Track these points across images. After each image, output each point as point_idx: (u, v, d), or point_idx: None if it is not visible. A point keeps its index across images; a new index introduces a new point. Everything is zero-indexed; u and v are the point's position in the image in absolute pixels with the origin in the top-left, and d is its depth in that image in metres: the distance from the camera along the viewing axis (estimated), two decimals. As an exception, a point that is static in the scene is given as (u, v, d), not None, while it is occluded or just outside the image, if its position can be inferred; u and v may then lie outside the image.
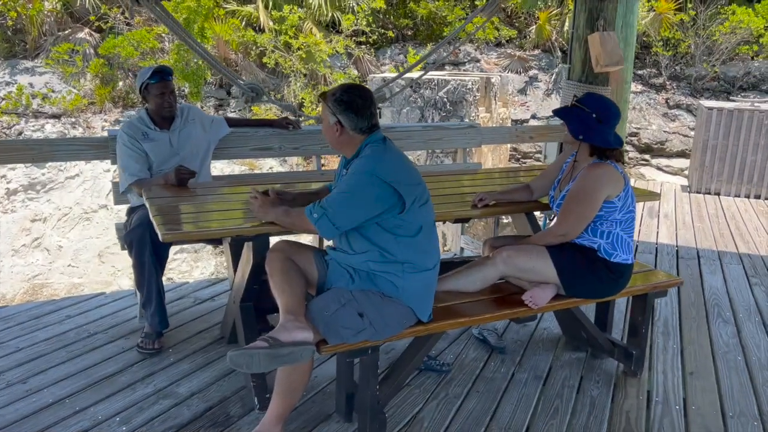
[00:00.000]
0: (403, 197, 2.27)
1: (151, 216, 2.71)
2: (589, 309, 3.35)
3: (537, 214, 3.73)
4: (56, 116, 9.25)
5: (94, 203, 7.70)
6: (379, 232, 2.30)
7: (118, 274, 6.77)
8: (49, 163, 7.92)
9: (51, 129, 8.90)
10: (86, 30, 10.72)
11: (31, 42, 10.58)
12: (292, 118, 4.26)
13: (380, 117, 8.21)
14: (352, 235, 2.35)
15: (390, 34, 12.16)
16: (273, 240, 2.63)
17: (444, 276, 2.73)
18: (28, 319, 3.62)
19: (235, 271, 3.04)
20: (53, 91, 9.50)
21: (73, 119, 9.22)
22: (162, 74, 3.35)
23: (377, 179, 2.23)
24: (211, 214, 2.93)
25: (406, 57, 11.81)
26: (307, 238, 3.65)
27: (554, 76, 11.56)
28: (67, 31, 10.70)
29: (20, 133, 8.83)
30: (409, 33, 12.77)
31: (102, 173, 7.98)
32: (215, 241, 3.67)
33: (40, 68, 10.02)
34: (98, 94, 9.66)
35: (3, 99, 9.26)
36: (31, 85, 9.51)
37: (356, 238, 2.34)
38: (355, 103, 2.33)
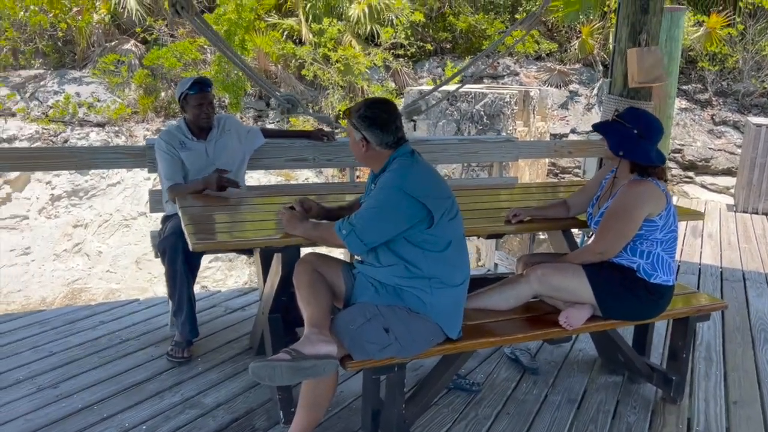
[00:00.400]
0: (431, 212, 2.22)
1: (183, 225, 2.73)
2: (626, 331, 3.23)
3: (575, 231, 3.62)
4: (101, 125, 9.50)
5: (134, 210, 7.85)
6: (406, 247, 2.26)
7: (155, 280, 6.87)
8: (92, 171, 8.11)
9: (95, 137, 9.14)
10: (132, 41, 11.01)
11: (79, 53, 10.91)
12: (327, 129, 4.26)
13: (415, 130, 8.18)
14: (379, 248, 2.31)
15: (428, 47, 12.15)
16: (304, 251, 2.62)
17: (475, 293, 2.67)
18: (63, 323, 3.67)
19: (264, 281, 3.02)
20: (99, 101, 9.77)
21: (117, 128, 9.45)
22: (201, 85, 3.38)
23: (404, 194, 2.20)
24: (243, 224, 2.93)
25: (444, 70, 11.77)
26: (337, 252, 3.63)
27: (595, 90, 11.37)
28: (113, 43, 11.01)
29: (66, 141, 9.09)
30: (448, 46, 12.74)
31: (142, 181, 8.13)
32: (248, 251, 3.68)
33: (87, 78, 10.32)
34: (141, 104, 9.89)
35: (51, 107, 9.55)
36: (77, 94, 9.80)
37: (383, 251, 2.30)
38: (379, 118, 2.30)
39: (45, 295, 6.64)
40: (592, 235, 2.83)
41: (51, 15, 10.45)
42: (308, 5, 11.26)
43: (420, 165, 2.34)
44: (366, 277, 2.34)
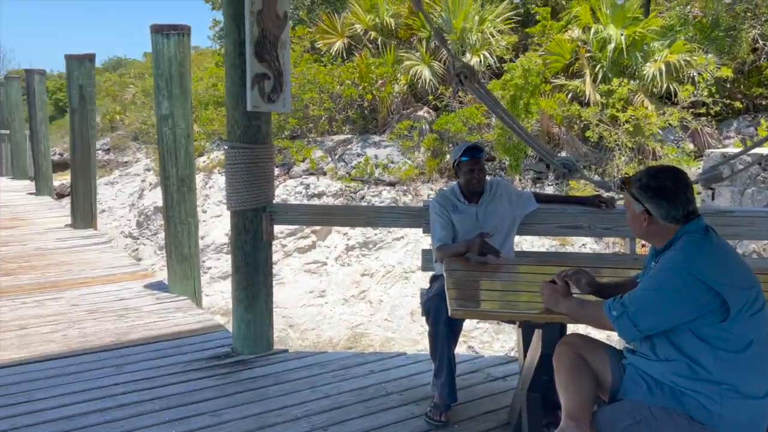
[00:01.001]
0: (726, 302, 1.86)
1: (446, 288, 2.75)
2: None
3: None
4: (392, 184, 10.40)
5: (413, 264, 8.32)
6: (692, 341, 1.92)
7: (425, 333, 7.12)
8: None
9: (386, 195, 10.02)
10: (425, 108, 11.96)
11: (380, 119, 12.23)
12: (605, 195, 3.99)
13: (714, 198, 7.21)
14: (657, 339, 2.01)
15: (738, 104, 10.78)
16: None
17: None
18: (339, 367, 3.97)
19: (524, 355, 2.88)
20: (392, 162, 10.74)
21: (405, 187, 10.25)
22: (473, 152, 3.48)
23: (692, 278, 1.87)
24: (506, 293, 2.85)
25: (756, 129, 10.29)
26: (604, 335, 3.30)
27: None
28: (409, 110, 12.09)
29: (362, 198, 10.15)
30: (764, 103, 11.15)
31: (423, 237, 8.61)
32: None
33: (385, 142, 11.46)
34: (428, 166, 10.59)
35: (354, 168, 10.79)
36: (376, 156, 10.92)
37: (662, 342, 1.99)
38: (665, 188, 2.02)
39: (332, 336, 7.36)
40: None
41: (360, 87, 11.94)
42: (597, 66, 10.95)
43: (714, 244, 2.00)
44: (637, 370, 2.05)
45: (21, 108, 14.57)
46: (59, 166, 15.79)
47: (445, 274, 2.94)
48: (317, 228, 9.49)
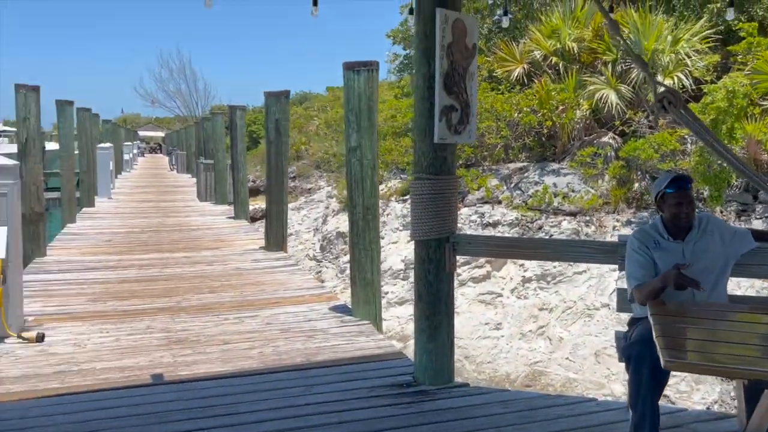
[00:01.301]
0: None
1: (654, 336, 2.51)
2: None
3: None
4: (572, 214, 9.93)
5: (597, 301, 7.83)
6: None
7: (612, 377, 6.62)
8: (561, 258, 8.44)
9: (566, 225, 9.59)
10: (610, 134, 11.30)
11: (559, 146, 11.79)
12: None
13: None
14: None
15: None
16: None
17: None
18: (524, 408, 3.80)
19: (747, 415, 2.52)
20: (573, 191, 10.28)
21: (587, 218, 9.72)
22: (680, 182, 3.20)
23: None
24: (722, 345, 2.52)
25: None
26: None
27: None
28: (592, 136, 11.52)
29: (540, 228, 9.81)
30: None
31: (608, 272, 8.09)
32: (725, 373, 3.17)
33: (565, 170, 11.01)
34: (613, 195, 9.97)
35: (530, 197, 10.50)
36: (554, 185, 10.53)
37: None
38: None
39: (509, 371, 7.14)
40: None
41: (539, 114, 11.65)
42: (818, 84, 9.63)
43: None
44: None
45: (223, 140, 16.29)
46: (251, 192, 17.36)
47: (651, 320, 2.69)
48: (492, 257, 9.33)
